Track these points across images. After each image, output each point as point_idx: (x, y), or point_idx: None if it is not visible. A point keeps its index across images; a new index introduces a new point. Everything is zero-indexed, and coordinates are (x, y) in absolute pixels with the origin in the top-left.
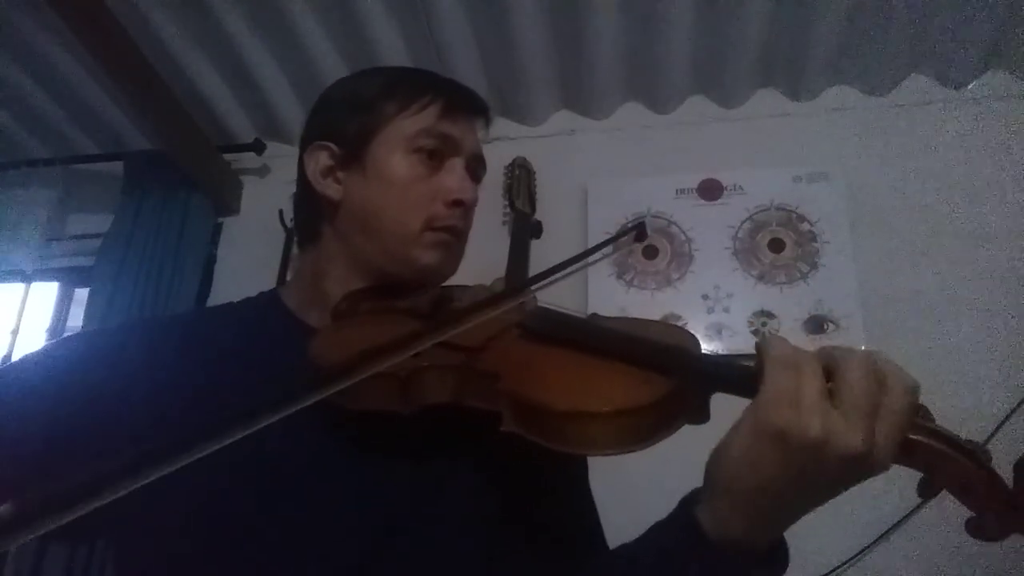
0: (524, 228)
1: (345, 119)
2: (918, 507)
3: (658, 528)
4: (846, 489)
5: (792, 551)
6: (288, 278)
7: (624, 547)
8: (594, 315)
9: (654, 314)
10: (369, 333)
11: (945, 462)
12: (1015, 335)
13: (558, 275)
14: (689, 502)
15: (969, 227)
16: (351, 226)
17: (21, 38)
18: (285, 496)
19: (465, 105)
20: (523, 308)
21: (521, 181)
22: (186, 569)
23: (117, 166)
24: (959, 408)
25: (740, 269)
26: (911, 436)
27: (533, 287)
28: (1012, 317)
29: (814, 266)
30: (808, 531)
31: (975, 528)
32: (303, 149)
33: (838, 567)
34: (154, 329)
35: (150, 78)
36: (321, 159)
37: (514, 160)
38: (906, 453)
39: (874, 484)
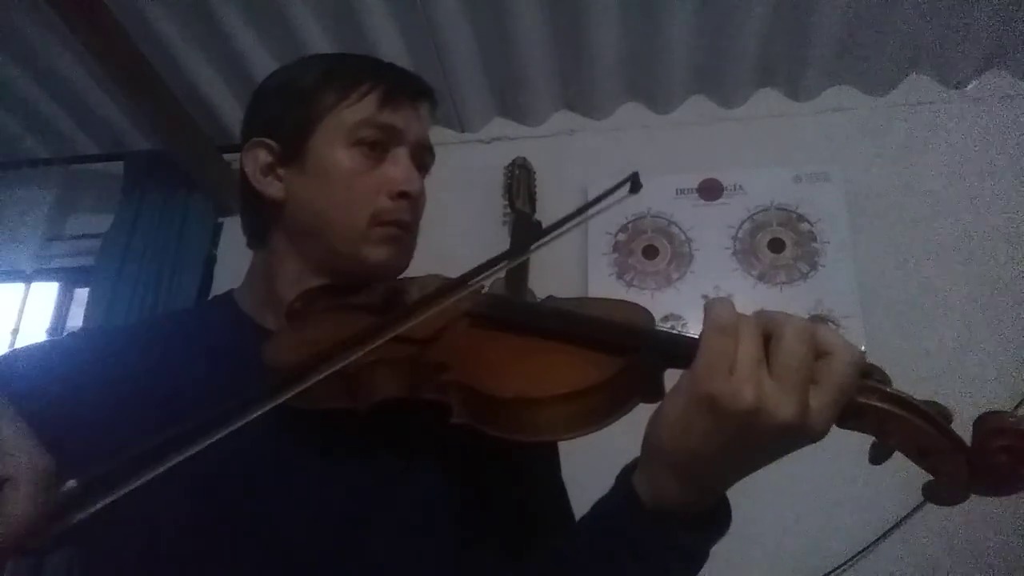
0: (524, 228)
1: (282, 112)
2: (917, 507)
3: (601, 499)
4: (784, 454)
5: (792, 551)
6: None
7: (574, 522)
8: (550, 297)
9: (654, 314)
10: (324, 332)
11: (896, 424)
12: (1015, 335)
13: (552, 236)
14: (628, 470)
15: (969, 227)
16: (297, 226)
17: (21, 38)
18: (243, 498)
19: (407, 91)
20: (474, 296)
21: (521, 181)
22: (147, 573)
23: (117, 166)
24: (959, 408)
25: (740, 269)
26: (858, 400)
27: (481, 275)
28: (1012, 317)
29: (814, 266)
30: (808, 531)
31: (933, 492)
32: (241, 145)
33: (838, 567)
34: (110, 338)
35: (150, 78)
36: (260, 156)
37: (514, 160)
38: (854, 417)
39: (873, 484)
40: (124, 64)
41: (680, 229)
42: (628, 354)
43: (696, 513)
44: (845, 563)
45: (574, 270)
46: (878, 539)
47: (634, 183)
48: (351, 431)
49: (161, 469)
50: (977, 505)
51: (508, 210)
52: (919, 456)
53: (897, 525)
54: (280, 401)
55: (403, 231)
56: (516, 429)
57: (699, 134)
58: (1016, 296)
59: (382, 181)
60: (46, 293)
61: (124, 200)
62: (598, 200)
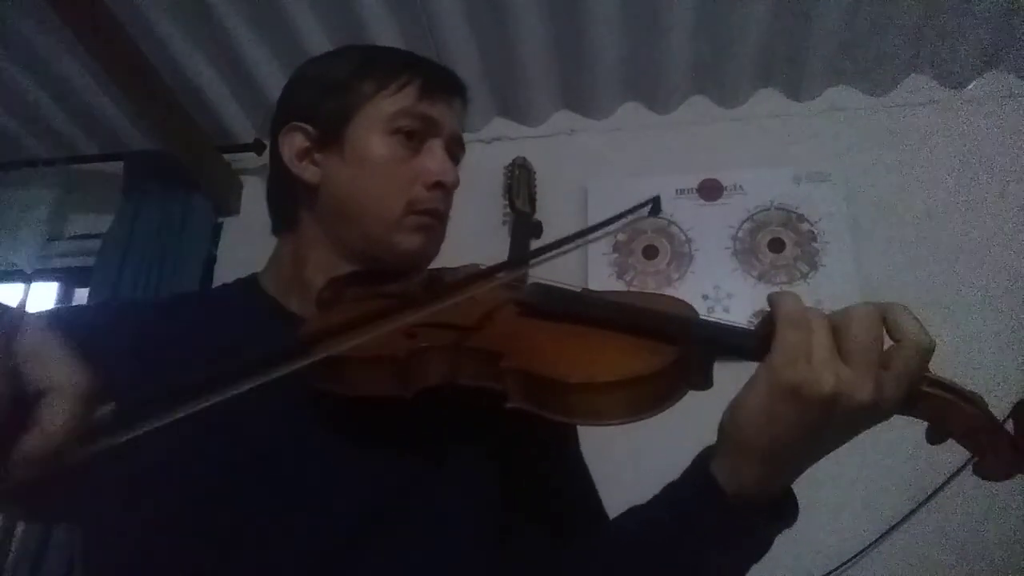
0: (524, 228)
1: (320, 99)
2: (918, 507)
3: (673, 486)
4: (855, 435)
5: (793, 550)
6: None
7: (639, 507)
8: (586, 290)
9: None
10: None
11: (950, 409)
12: (1016, 335)
13: (559, 251)
14: (703, 458)
15: (969, 227)
16: (330, 211)
17: (21, 38)
18: (284, 485)
19: (443, 85)
20: (519, 286)
21: (521, 181)
22: (175, 551)
23: (117, 166)
24: None
25: (740, 269)
26: (919, 387)
27: (529, 263)
28: (1012, 317)
29: (814, 266)
30: (809, 530)
31: (981, 470)
32: (276, 130)
33: (839, 567)
34: (134, 310)
35: (150, 78)
36: (297, 141)
37: (514, 160)
38: (912, 403)
39: (873, 485)
40: (124, 64)
41: (680, 229)
42: (682, 343)
43: (770, 502)
44: (845, 563)
45: (574, 270)
46: (878, 539)
47: (655, 206)
48: (387, 419)
49: (199, 407)
50: (977, 505)
51: (508, 210)
52: (966, 439)
53: (897, 525)
54: (315, 358)
55: (436, 220)
56: (576, 413)
57: (699, 134)
58: (1016, 296)
59: (418, 170)
60: (46, 293)
61: (124, 200)
62: (620, 216)
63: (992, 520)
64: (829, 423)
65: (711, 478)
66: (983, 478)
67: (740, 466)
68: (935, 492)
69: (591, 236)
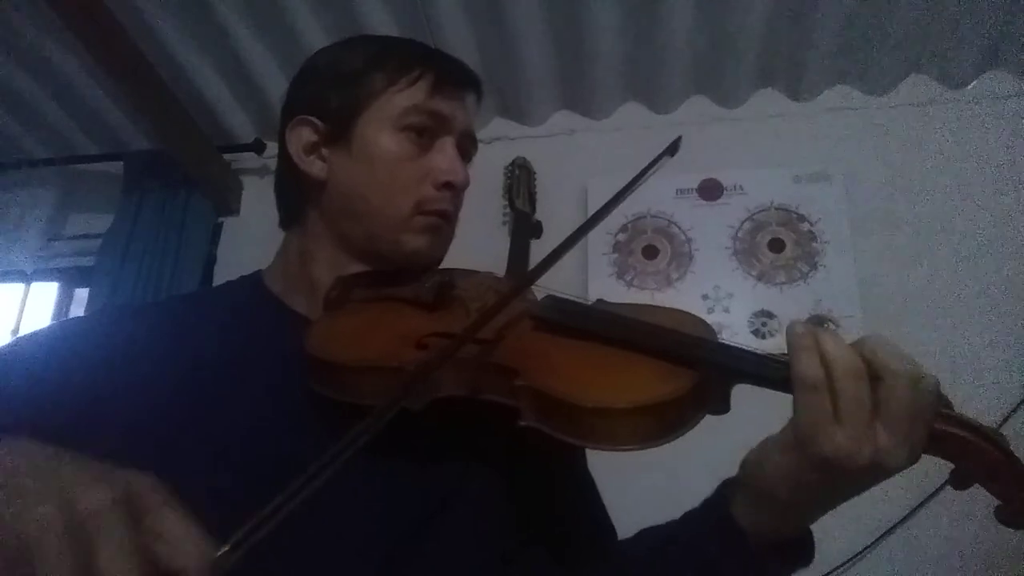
0: (524, 228)
1: (330, 92)
2: (919, 506)
3: (689, 520)
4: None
5: None
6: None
7: (650, 532)
8: (600, 300)
9: None
10: (368, 322)
11: (973, 450)
12: (1015, 335)
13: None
14: (723, 495)
15: (969, 227)
16: (337, 207)
17: (21, 38)
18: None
19: (456, 79)
20: (530, 297)
21: (521, 181)
22: None
23: (117, 166)
24: (958, 408)
25: (740, 269)
26: (940, 427)
27: (549, 264)
28: (1012, 317)
29: (814, 266)
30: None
31: (1005, 515)
32: (285, 123)
33: (839, 567)
34: (139, 315)
35: (150, 78)
36: (304, 135)
37: (514, 160)
38: (936, 444)
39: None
40: (124, 64)
41: (680, 229)
42: (701, 367)
43: (787, 543)
44: (845, 563)
45: (574, 270)
46: (878, 539)
47: (674, 146)
48: (395, 433)
49: (294, 505)
50: (978, 505)
51: (508, 210)
52: (989, 482)
53: (897, 525)
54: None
55: (445, 221)
56: (591, 437)
57: (699, 134)
58: (1016, 296)
59: (428, 169)
60: (46, 293)
61: (124, 200)
62: (647, 169)
63: (992, 521)
64: (857, 484)
65: (732, 520)
66: (1006, 524)
67: (760, 513)
68: (935, 492)
69: (620, 201)
